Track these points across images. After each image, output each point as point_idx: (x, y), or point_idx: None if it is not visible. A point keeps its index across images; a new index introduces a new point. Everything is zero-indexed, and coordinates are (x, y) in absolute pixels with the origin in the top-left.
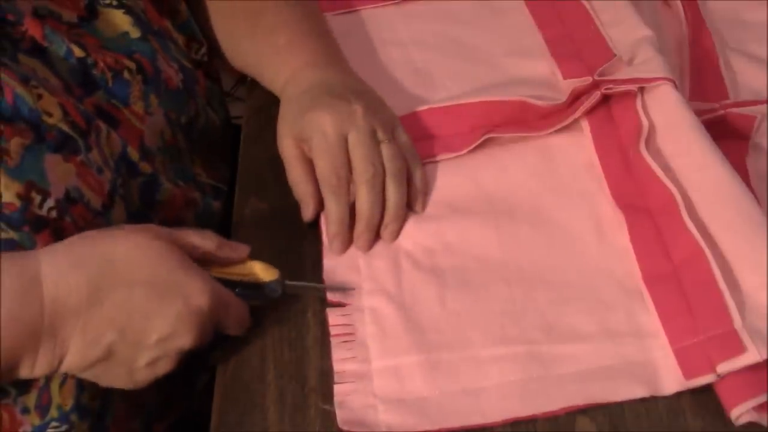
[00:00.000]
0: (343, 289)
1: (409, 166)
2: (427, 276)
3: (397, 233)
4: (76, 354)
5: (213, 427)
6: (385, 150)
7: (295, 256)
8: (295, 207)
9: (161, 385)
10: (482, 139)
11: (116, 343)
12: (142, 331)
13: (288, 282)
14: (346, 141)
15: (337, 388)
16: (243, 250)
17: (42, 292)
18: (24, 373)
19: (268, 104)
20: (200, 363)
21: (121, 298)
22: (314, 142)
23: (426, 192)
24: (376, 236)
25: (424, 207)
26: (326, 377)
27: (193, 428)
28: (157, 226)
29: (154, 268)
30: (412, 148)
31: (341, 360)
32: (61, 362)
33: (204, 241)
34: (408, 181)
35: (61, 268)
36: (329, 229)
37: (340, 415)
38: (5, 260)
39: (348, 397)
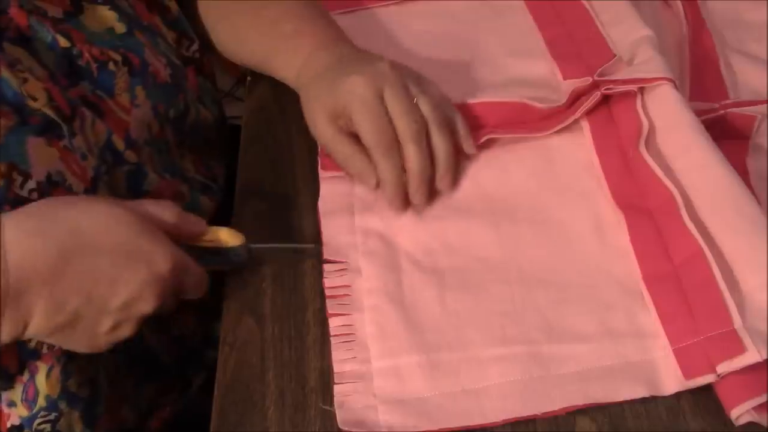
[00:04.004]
0: (309, 247)
1: (446, 113)
2: (427, 276)
3: (452, 183)
4: (42, 319)
5: (213, 427)
6: (422, 102)
7: (294, 255)
8: (294, 207)
9: (154, 378)
10: (483, 139)
11: (81, 309)
12: (107, 296)
13: (253, 245)
14: (383, 99)
15: (337, 388)
16: (201, 222)
17: (7, 258)
18: None
19: (268, 104)
20: (196, 361)
21: (88, 265)
22: (353, 107)
23: (470, 134)
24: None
25: (473, 148)
26: (326, 377)
27: (190, 427)
28: (114, 197)
29: (118, 234)
30: (443, 96)
31: (341, 361)
32: (26, 328)
33: (163, 212)
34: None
35: (26, 234)
36: (387, 191)
37: (341, 416)
38: None
39: (348, 397)
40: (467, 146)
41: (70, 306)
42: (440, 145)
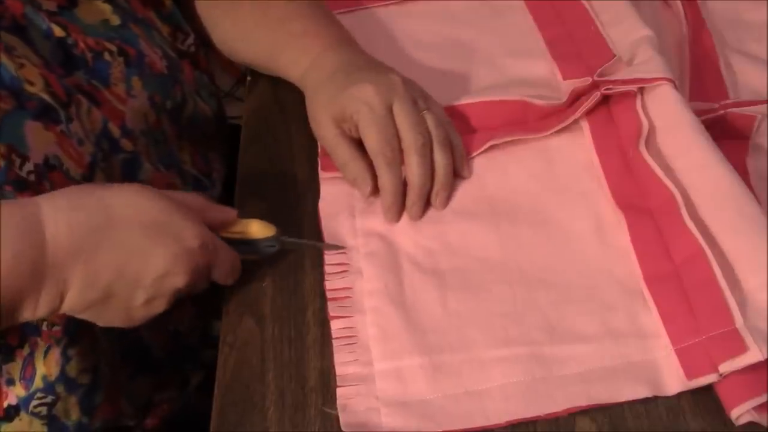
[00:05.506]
0: (339, 247)
1: (448, 131)
2: (428, 277)
3: (447, 200)
4: (77, 294)
5: (213, 427)
6: (428, 118)
7: (294, 256)
8: (294, 207)
9: (148, 371)
10: (486, 146)
11: (115, 283)
12: (139, 271)
13: (285, 239)
14: (391, 111)
15: (339, 391)
16: (230, 211)
17: (44, 232)
18: (27, 314)
19: (268, 103)
20: (193, 359)
21: (120, 240)
22: (361, 115)
23: (465, 158)
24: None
25: (470, 172)
26: (326, 377)
27: (188, 426)
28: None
29: (149, 211)
30: (446, 116)
31: (343, 363)
32: (62, 302)
33: (191, 199)
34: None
35: (61, 210)
36: (385, 200)
37: (344, 419)
38: (5, 204)
39: (351, 400)
40: (465, 169)
41: (103, 280)
42: (441, 161)
